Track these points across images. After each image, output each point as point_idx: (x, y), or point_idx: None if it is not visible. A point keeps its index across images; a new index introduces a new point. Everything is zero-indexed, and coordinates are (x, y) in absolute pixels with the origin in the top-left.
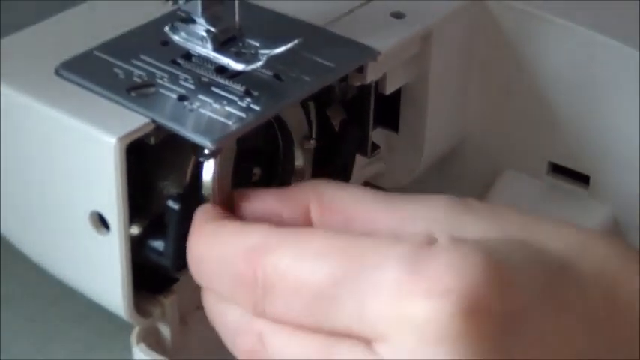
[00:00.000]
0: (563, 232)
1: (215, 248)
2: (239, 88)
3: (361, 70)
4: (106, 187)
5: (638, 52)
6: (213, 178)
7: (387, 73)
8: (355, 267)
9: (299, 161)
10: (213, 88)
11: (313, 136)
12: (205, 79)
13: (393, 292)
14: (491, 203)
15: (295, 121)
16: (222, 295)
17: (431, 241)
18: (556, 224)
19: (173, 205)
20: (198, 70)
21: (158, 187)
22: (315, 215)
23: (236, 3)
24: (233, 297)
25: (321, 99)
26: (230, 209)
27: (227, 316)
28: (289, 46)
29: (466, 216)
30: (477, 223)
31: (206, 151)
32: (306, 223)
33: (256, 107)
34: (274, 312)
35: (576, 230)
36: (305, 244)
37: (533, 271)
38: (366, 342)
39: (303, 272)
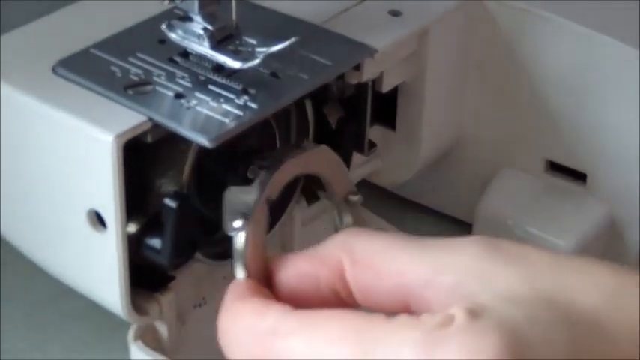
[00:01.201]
0: (594, 277)
1: (234, 327)
2: (236, 86)
3: (358, 68)
4: (103, 185)
5: (636, 50)
6: (245, 248)
7: (384, 71)
8: (369, 354)
9: (347, 219)
10: (211, 86)
11: (310, 134)
12: (202, 77)
13: None
14: (523, 244)
15: (335, 176)
16: None
17: (447, 322)
18: (587, 268)
19: (170, 203)
20: (195, 69)
21: (155, 185)
22: (348, 274)
23: (233, 1)
24: None
25: (318, 97)
26: (265, 276)
27: None
28: (286, 44)
29: (495, 264)
30: (506, 273)
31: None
32: (342, 283)
33: (253, 105)
34: None
35: (608, 273)
36: (319, 329)
37: (559, 340)
38: None
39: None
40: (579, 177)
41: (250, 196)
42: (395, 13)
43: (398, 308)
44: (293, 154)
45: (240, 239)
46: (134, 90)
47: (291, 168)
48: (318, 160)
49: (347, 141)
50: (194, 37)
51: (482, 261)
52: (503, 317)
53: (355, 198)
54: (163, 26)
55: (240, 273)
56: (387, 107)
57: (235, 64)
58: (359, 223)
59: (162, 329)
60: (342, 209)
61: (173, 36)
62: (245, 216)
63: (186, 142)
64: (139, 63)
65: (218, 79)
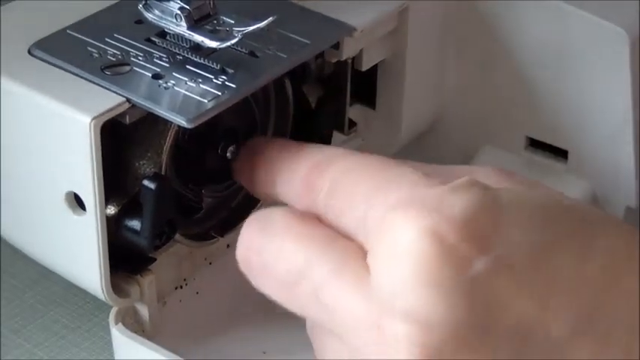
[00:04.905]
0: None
1: (285, 162)
2: (214, 65)
3: (337, 46)
4: (81, 167)
5: (617, 27)
6: None
7: (364, 49)
8: (384, 185)
9: None
10: (188, 66)
11: (290, 113)
12: (180, 57)
13: (390, 206)
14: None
15: None
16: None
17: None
18: None
19: (149, 184)
20: (173, 49)
21: (134, 167)
22: None
23: None
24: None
25: (298, 76)
26: None
27: None
28: (264, 23)
29: (506, 181)
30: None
31: None
32: None
33: (232, 85)
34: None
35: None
36: (355, 161)
37: (554, 215)
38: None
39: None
40: (560, 154)
41: None
42: None
43: None
44: None
45: None
46: (111, 71)
47: None
48: None
49: (327, 120)
50: (171, 16)
51: (493, 177)
52: (502, 189)
53: None
54: (140, 6)
55: None
56: (366, 86)
57: (213, 44)
58: None
59: (144, 311)
60: None
61: (150, 16)
62: None
63: (164, 123)
64: (116, 43)
65: (196, 58)
